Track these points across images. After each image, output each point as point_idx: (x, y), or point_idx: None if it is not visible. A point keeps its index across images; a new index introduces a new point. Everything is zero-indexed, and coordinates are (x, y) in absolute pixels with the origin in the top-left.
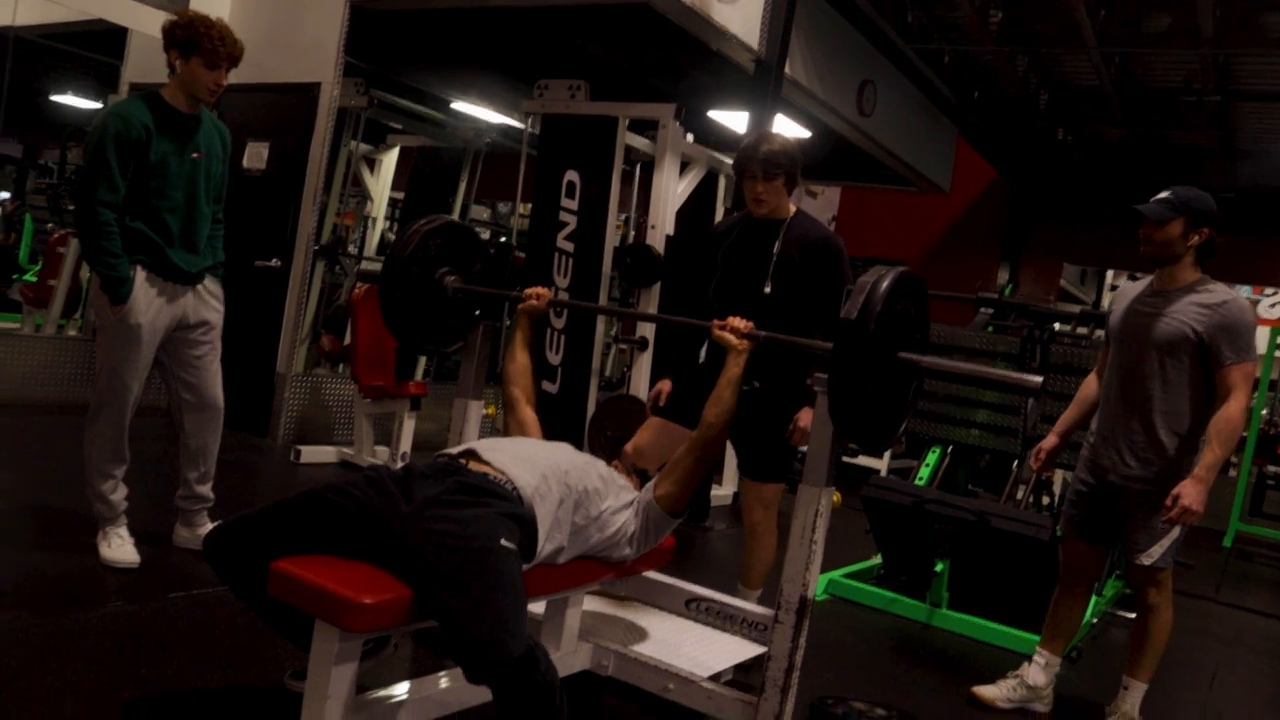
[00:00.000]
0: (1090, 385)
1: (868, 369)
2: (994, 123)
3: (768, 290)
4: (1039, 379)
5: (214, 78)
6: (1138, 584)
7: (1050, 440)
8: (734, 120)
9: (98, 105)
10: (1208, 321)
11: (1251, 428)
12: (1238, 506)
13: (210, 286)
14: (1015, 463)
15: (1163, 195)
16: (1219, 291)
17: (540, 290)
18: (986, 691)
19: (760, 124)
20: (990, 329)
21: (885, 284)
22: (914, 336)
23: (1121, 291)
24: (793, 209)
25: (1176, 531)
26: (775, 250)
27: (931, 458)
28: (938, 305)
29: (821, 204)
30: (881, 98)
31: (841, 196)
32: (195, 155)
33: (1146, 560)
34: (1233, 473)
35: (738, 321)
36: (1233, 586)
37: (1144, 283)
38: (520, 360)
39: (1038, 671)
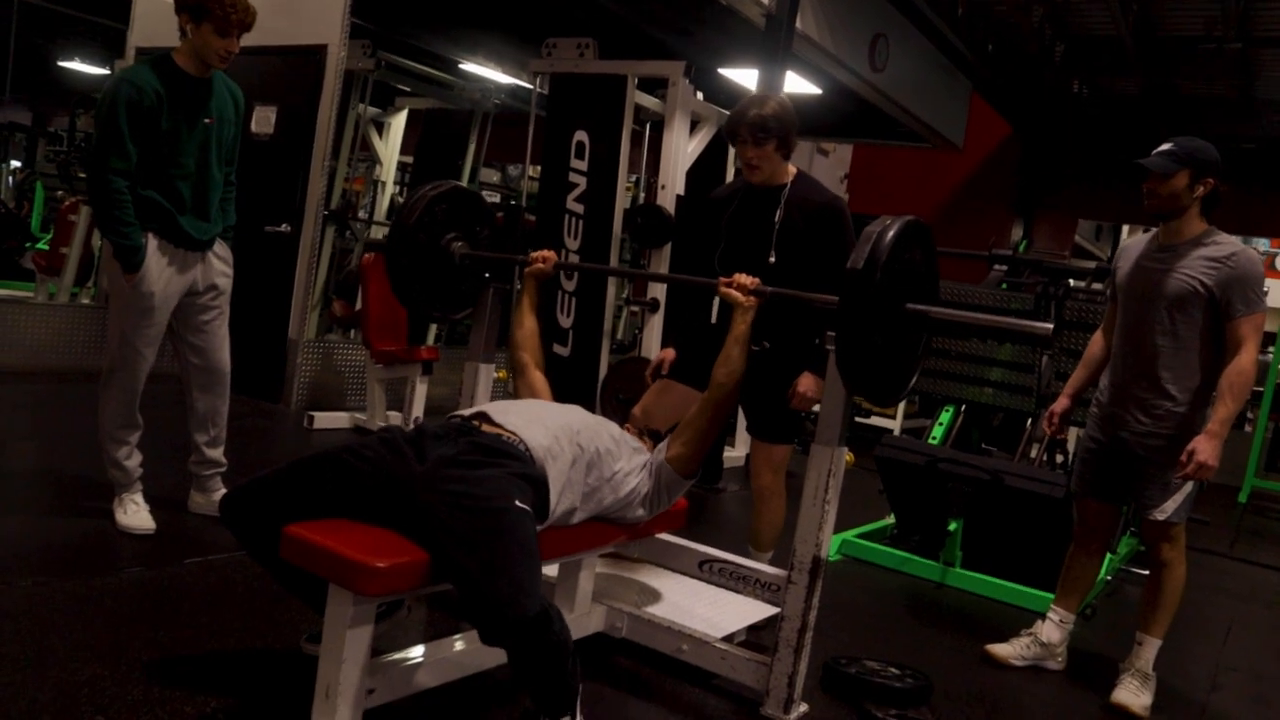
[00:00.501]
0: (1097, 344)
1: (875, 320)
2: (1008, 76)
3: (772, 260)
4: (1049, 325)
5: (225, 45)
6: (1151, 540)
7: (1061, 403)
8: (744, 78)
9: (105, 71)
10: (1217, 275)
11: (1268, 383)
12: (1253, 462)
13: (220, 251)
14: (1029, 421)
15: (1165, 147)
16: (1227, 243)
17: (546, 253)
18: (1000, 650)
19: (771, 81)
20: (1004, 286)
21: (891, 233)
22: (923, 288)
23: (1125, 247)
24: (793, 171)
25: (1190, 487)
26: (777, 219)
27: (945, 417)
28: (951, 263)
29: (833, 162)
30: (894, 52)
31: (853, 154)
32: (207, 121)
33: (1160, 516)
34: (1249, 428)
35: (744, 278)
36: (1247, 542)
37: (1148, 237)
38: (528, 324)
39: (1052, 629)
